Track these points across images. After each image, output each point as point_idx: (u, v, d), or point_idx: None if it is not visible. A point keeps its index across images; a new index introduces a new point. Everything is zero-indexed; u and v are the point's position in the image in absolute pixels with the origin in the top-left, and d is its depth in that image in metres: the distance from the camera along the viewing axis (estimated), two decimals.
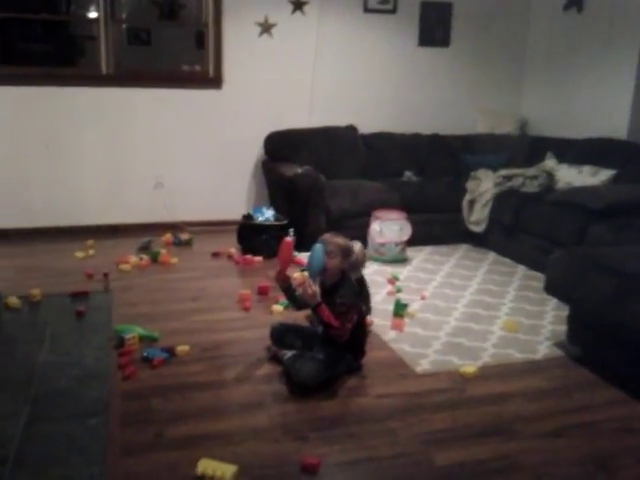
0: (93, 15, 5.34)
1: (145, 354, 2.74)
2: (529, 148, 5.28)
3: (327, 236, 2.67)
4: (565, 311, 3.03)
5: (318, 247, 2.57)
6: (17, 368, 2.58)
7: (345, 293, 2.59)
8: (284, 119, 5.16)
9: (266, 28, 5.10)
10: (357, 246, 3.05)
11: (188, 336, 2.99)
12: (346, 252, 2.64)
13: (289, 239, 2.73)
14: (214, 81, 5.11)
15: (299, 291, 2.65)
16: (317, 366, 2.51)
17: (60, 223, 4.86)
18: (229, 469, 1.95)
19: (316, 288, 2.51)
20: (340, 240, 2.64)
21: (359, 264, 3.06)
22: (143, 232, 4.80)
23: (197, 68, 5.53)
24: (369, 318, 3.12)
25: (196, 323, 3.19)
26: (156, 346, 2.85)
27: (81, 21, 6.94)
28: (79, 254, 4.27)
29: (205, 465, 1.96)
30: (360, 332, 2.71)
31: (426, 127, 5.48)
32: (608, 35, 4.82)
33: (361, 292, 3.10)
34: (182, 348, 2.81)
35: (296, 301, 2.73)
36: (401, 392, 2.55)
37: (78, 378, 2.49)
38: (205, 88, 5.12)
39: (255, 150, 5.24)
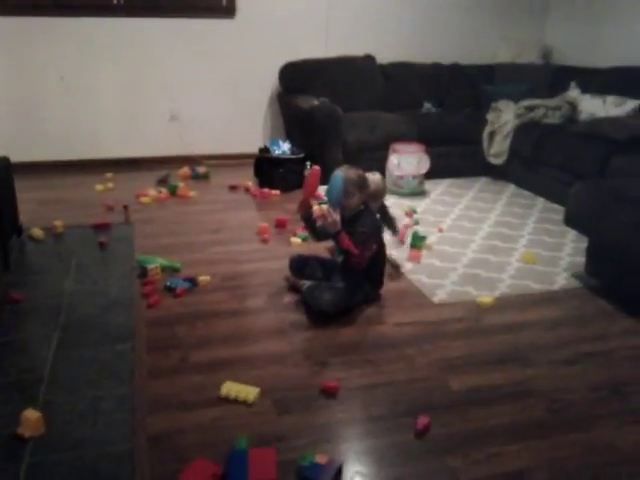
0: None
1: (168, 283, 2.80)
2: (552, 78, 5.12)
3: (342, 170, 2.64)
4: (584, 243, 3.03)
5: (338, 176, 2.57)
6: (45, 297, 2.65)
7: (366, 222, 2.61)
8: (299, 49, 5.04)
9: None
10: (376, 176, 3.04)
11: (209, 267, 3.04)
12: (362, 186, 2.63)
13: (317, 168, 2.71)
14: (227, 10, 4.96)
15: (319, 223, 2.67)
16: (336, 294, 2.56)
17: (78, 156, 4.86)
18: (252, 391, 2.03)
19: (337, 216, 2.52)
20: (354, 175, 2.61)
21: (380, 194, 3.06)
22: (160, 165, 4.81)
23: None
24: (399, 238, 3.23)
25: (216, 254, 3.24)
26: (178, 276, 2.91)
27: None
28: (99, 187, 4.30)
29: (229, 387, 2.04)
30: (379, 262, 2.74)
31: (446, 56, 5.32)
32: None
33: (385, 218, 3.14)
34: (204, 278, 2.87)
35: (316, 232, 2.76)
36: (418, 321, 2.60)
37: (104, 306, 2.56)
38: (218, 17, 4.98)
39: (270, 81, 5.14)
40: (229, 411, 1.98)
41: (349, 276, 2.64)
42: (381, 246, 2.75)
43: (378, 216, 3.24)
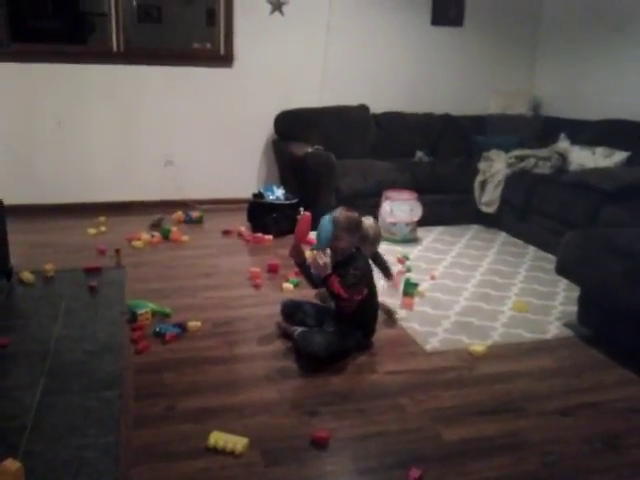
0: None
1: (157, 329, 2.77)
2: (542, 129, 5.24)
3: (335, 212, 2.65)
4: (576, 292, 3.03)
5: (326, 218, 2.59)
6: (33, 341, 2.62)
7: (358, 265, 2.61)
8: (295, 98, 5.14)
9: (277, 6, 5.05)
10: (370, 221, 3.07)
11: (200, 312, 3.02)
12: (351, 229, 2.63)
13: (308, 214, 2.73)
14: (225, 59, 5.09)
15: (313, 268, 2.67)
16: (327, 338, 2.54)
17: (72, 200, 4.88)
18: (240, 441, 1.98)
19: (327, 259, 2.52)
20: (342, 218, 2.61)
21: (373, 239, 3.07)
22: (154, 210, 4.83)
23: (208, 46, 5.49)
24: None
25: (207, 299, 3.21)
26: (168, 321, 2.88)
27: None
28: (91, 230, 4.30)
29: (216, 437, 2.00)
30: (370, 309, 2.73)
31: (438, 107, 5.44)
32: (623, 14, 4.75)
33: (378, 263, 3.15)
34: (194, 324, 2.84)
35: (312, 278, 2.75)
36: (410, 369, 2.57)
37: (92, 352, 2.53)
38: (216, 66, 5.10)
39: (265, 129, 5.22)
40: (216, 462, 1.93)
41: (341, 323, 2.63)
42: (372, 292, 2.74)
43: (371, 261, 3.26)
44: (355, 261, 2.63)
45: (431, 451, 2.03)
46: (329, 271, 2.53)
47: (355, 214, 2.69)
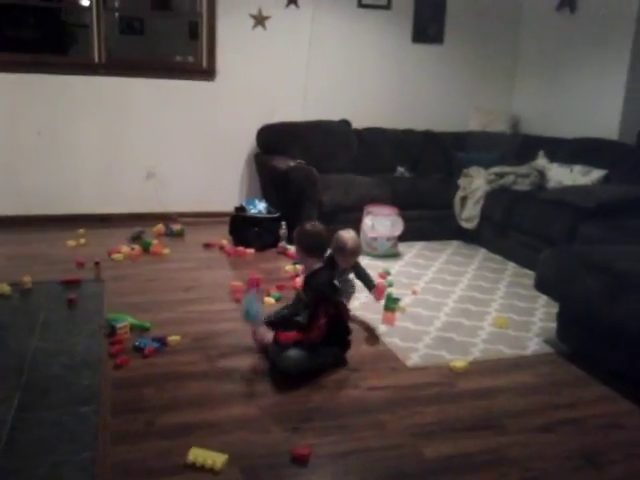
0: (85, 3, 5.29)
1: (137, 343, 2.73)
2: (521, 146, 5.31)
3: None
4: (555, 308, 3.06)
5: (250, 297, 2.65)
6: (8, 355, 2.56)
7: (319, 280, 2.64)
8: (277, 112, 5.16)
9: (260, 20, 5.08)
10: (350, 234, 3.10)
11: (179, 326, 2.99)
12: (303, 244, 2.68)
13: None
14: (207, 72, 5.09)
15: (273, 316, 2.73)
16: (299, 355, 2.52)
17: (52, 211, 4.82)
18: (219, 458, 1.95)
19: (264, 330, 2.59)
20: (296, 235, 2.70)
21: (351, 251, 3.08)
22: (135, 222, 4.79)
23: (190, 59, 5.50)
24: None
25: (188, 313, 3.18)
26: (147, 336, 2.85)
27: (73, 8, 6.88)
28: (70, 243, 4.24)
29: (196, 454, 1.97)
30: (339, 324, 2.72)
31: (419, 123, 5.50)
32: (600, 35, 4.86)
33: (359, 274, 3.18)
34: (173, 338, 2.81)
35: (286, 322, 2.77)
36: (392, 385, 2.57)
37: (69, 366, 2.49)
38: (198, 79, 5.10)
39: (248, 142, 5.23)
40: (195, 479, 1.90)
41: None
42: (340, 309, 2.74)
43: (352, 275, 3.26)
44: (318, 274, 2.66)
45: (412, 468, 2.03)
46: (271, 338, 2.55)
47: (312, 229, 2.70)
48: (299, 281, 3.62)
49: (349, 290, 3.30)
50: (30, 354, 2.57)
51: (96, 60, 4.84)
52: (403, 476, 1.97)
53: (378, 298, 3.22)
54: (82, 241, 4.31)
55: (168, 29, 7.02)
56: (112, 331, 2.80)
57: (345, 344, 2.74)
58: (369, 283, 3.26)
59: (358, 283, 3.33)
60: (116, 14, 6.94)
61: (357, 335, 3.03)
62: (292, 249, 3.88)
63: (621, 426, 2.34)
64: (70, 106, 4.79)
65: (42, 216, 4.78)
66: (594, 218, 3.73)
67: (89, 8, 4.85)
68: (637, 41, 4.57)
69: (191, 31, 6.38)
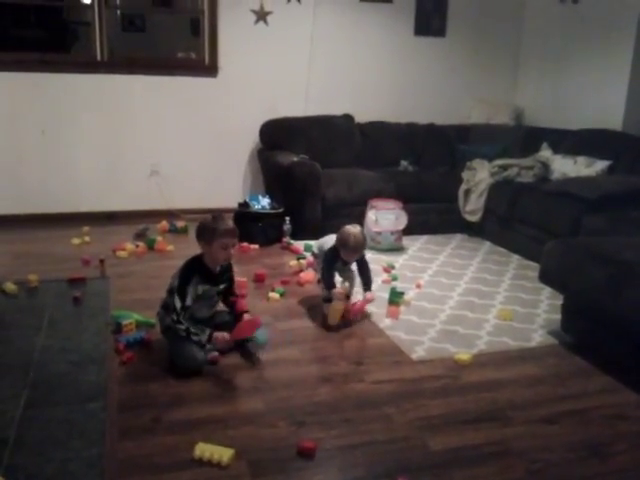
0: (87, 0, 5.29)
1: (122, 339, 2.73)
2: (524, 138, 5.29)
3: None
4: (559, 300, 3.05)
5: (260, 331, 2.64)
6: (16, 353, 2.58)
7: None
8: (280, 107, 5.16)
9: (262, 16, 5.07)
10: (356, 229, 3.08)
11: None
12: (205, 237, 2.73)
13: (259, 320, 2.65)
14: (209, 69, 5.09)
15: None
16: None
17: (56, 210, 4.85)
18: (226, 453, 1.97)
19: (223, 335, 2.55)
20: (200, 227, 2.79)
21: (354, 246, 3.05)
22: (139, 219, 4.80)
23: (192, 56, 5.50)
24: (366, 307, 3.15)
25: None
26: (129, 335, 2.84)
27: (75, 7, 6.88)
28: (75, 241, 4.26)
29: (202, 449, 1.98)
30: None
31: (422, 117, 5.49)
32: (603, 26, 4.83)
33: (362, 273, 3.17)
34: None
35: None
36: (397, 378, 2.57)
37: (76, 363, 2.50)
38: (200, 76, 5.10)
39: (251, 138, 5.23)
40: (202, 474, 1.91)
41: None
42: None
43: (355, 268, 3.24)
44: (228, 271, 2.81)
45: (418, 460, 2.04)
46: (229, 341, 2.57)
47: (212, 223, 2.73)
48: (303, 276, 3.63)
49: (349, 281, 3.28)
50: (37, 352, 2.59)
51: (98, 58, 4.84)
52: (409, 469, 1.98)
53: (360, 306, 3.10)
54: (87, 239, 4.33)
55: (170, 26, 7.02)
56: (118, 328, 2.82)
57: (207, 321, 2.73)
58: (367, 285, 3.17)
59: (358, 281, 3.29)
60: (118, 11, 6.94)
61: (362, 329, 3.05)
62: (295, 244, 3.90)
63: (626, 417, 2.35)
64: (73, 104, 4.81)
65: (47, 214, 4.80)
66: (598, 209, 3.72)
67: (91, 6, 4.85)
68: None
69: (193, 28, 6.38)
